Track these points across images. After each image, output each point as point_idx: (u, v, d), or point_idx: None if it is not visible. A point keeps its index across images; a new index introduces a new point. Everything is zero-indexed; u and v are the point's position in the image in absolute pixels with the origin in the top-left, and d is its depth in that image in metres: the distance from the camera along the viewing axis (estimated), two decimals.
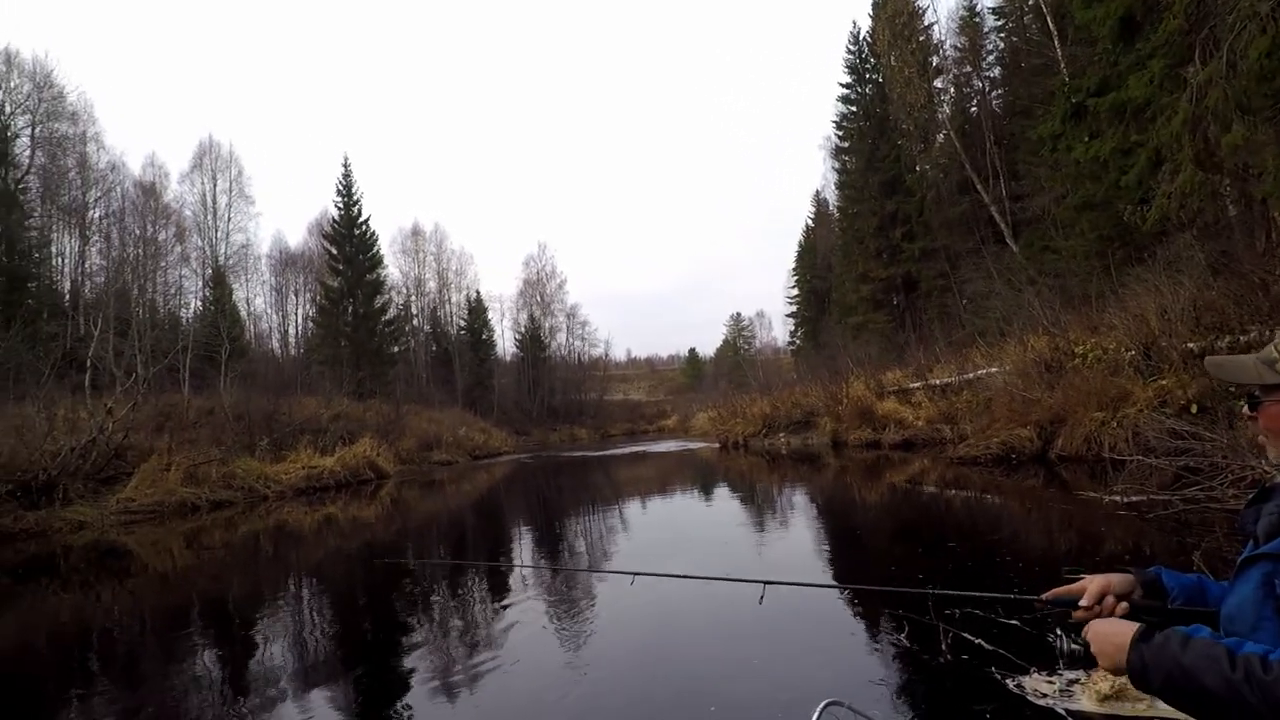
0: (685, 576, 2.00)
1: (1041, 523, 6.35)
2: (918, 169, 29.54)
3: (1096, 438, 8.63)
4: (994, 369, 12.46)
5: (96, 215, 31.32)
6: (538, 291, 59.76)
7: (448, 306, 54.50)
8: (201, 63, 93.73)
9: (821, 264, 45.86)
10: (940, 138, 28.79)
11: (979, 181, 25.06)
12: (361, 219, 41.14)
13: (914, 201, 28.98)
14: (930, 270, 27.75)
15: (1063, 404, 9.46)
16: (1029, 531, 6.06)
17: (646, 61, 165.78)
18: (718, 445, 21.53)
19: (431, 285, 52.74)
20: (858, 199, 32.49)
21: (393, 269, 46.69)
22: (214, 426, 15.73)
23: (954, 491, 8.35)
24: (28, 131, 28.50)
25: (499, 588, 5.25)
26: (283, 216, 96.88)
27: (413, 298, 50.60)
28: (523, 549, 7.21)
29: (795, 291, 53.17)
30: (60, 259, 30.71)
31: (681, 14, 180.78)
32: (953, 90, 28.98)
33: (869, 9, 32.16)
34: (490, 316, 56.75)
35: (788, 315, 55.02)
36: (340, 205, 41.16)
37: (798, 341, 52.17)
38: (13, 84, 28.17)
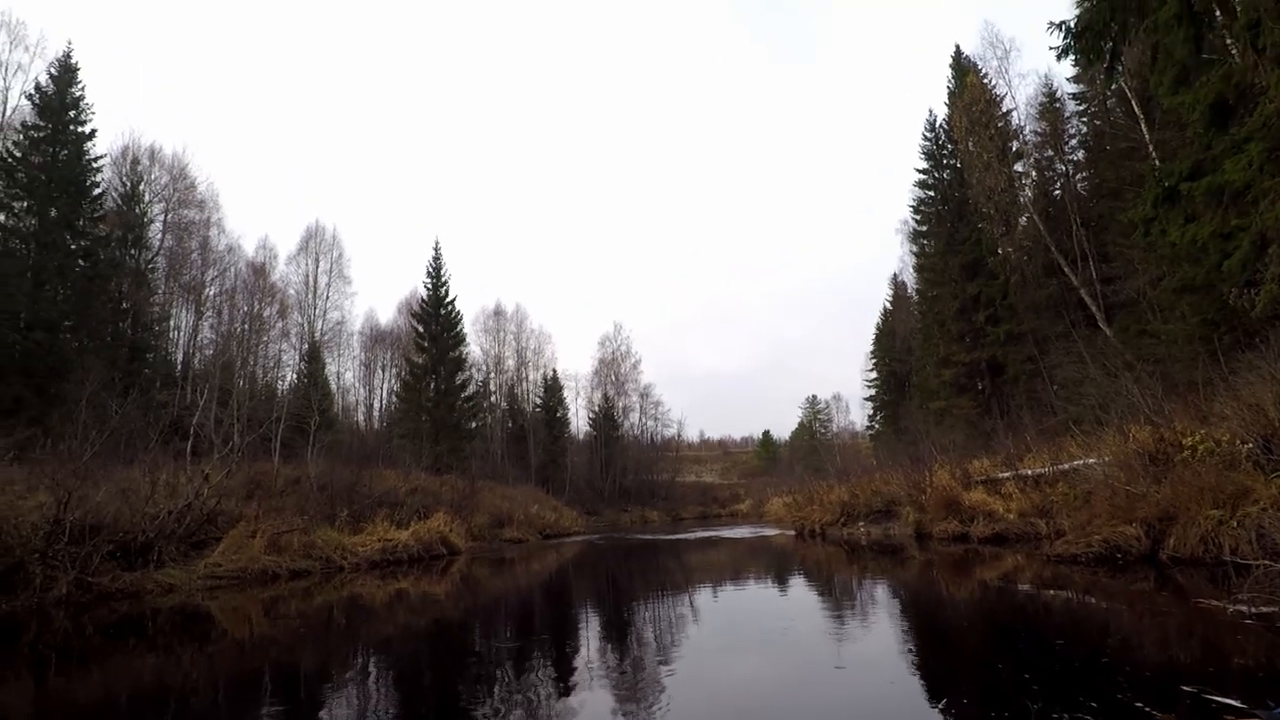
0: None
1: (1156, 632, 5.74)
2: (1000, 252, 28.94)
3: (1214, 538, 7.86)
4: (1091, 460, 11.66)
5: (212, 293, 34.07)
6: (612, 371, 60.62)
7: (525, 384, 55.86)
8: (315, 153, 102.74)
9: (900, 347, 44.89)
10: (1023, 221, 28.25)
11: (1066, 264, 24.27)
12: (448, 299, 43.14)
13: (997, 284, 28.26)
14: (1017, 355, 26.70)
15: (1172, 500, 8.71)
16: (1143, 642, 5.48)
17: (722, 148, 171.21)
18: (793, 533, 20.76)
19: (510, 363, 54.34)
20: (938, 282, 31.95)
21: (474, 347, 48.50)
22: (299, 495, 16.31)
23: (1053, 592, 7.70)
24: (161, 217, 31.58)
25: (564, 670, 5.10)
26: (375, 294, 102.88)
27: (492, 375, 52.20)
28: (590, 634, 7.02)
29: (873, 375, 52.01)
30: (176, 332, 33.34)
31: (758, 99, 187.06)
32: (1034, 174, 28.61)
33: (945, 98, 32.53)
34: (565, 395, 57.79)
35: (865, 399, 53.71)
36: (429, 286, 43.37)
37: (876, 426, 50.63)
38: (153, 176, 31.48)
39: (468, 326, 45.33)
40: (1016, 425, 19.80)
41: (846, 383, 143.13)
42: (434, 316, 42.49)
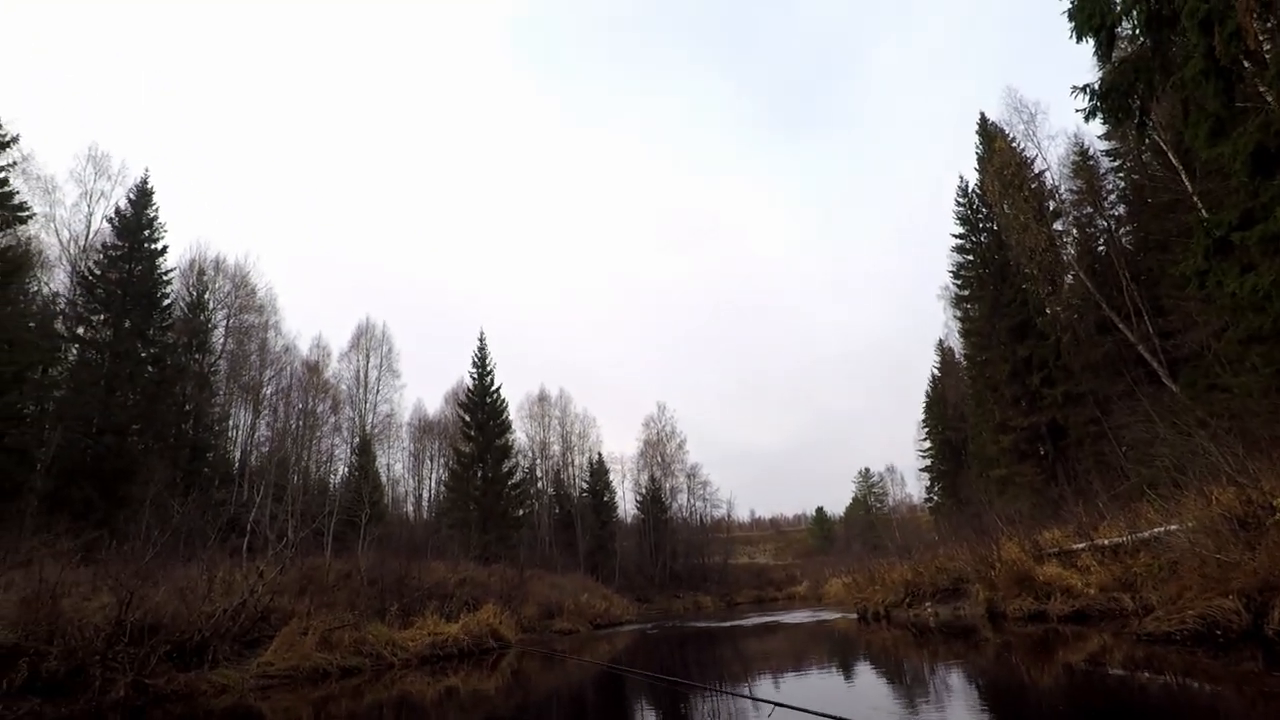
0: None
1: None
2: (1048, 311, 28.33)
3: None
4: (1173, 526, 10.92)
5: (269, 392, 35.28)
6: (658, 452, 60.13)
7: (571, 469, 55.69)
8: (365, 251, 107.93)
9: (953, 414, 43.65)
10: (1069, 279, 27.75)
11: (1120, 320, 23.59)
12: (493, 387, 43.85)
13: (1048, 345, 27.55)
14: (1078, 416, 25.69)
15: (1270, 568, 8.04)
16: None
17: (754, 225, 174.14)
18: (856, 616, 19.76)
19: (556, 448, 54.38)
20: (986, 345, 31.32)
21: (520, 434, 48.77)
22: (350, 590, 16.26)
23: (1148, 675, 7.08)
24: (224, 323, 33.20)
25: None
26: (423, 386, 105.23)
27: (538, 461, 52.23)
28: None
29: (927, 444, 50.48)
30: (235, 430, 34.41)
31: (788, 173, 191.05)
32: (1075, 231, 28.27)
33: (975, 163, 32.76)
34: (612, 478, 57.29)
35: (921, 469, 51.91)
36: (475, 375, 44.24)
37: (935, 498, 48.72)
38: (218, 284, 33.32)
39: (513, 413, 45.85)
40: (1086, 491, 18.83)
41: (899, 453, 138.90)
42: (480, 405, 43.11)
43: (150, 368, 27.48)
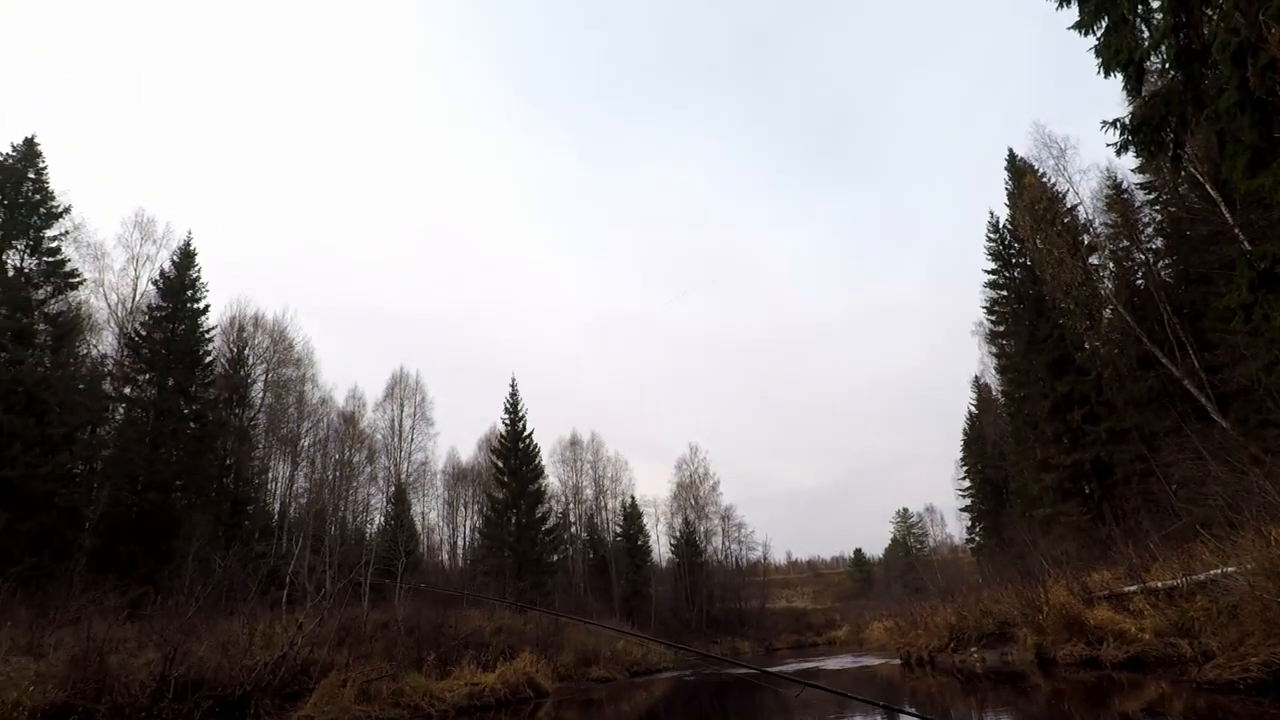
0: None
1: None
2: (1087, 346, 27.79)
3: None
4: (1230, 569, 10.51)
5: (306, 443, 35.88)
6: (691, 494, 59.57)
7: (604, 513, 55.38)
8: (398, 304, 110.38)
9: (992, 452, 42.67)
10: (1107, 313, 27.24)
11: (1163, 355, 23.06)
12: (525, 433, 44.07)
13: (1089, 380, 26.99)
14: (1124, 453, 24.98)
15: None
16: None
17: (787, 268, 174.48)
18: (899, 661, 19.17)
19: (589, 492, 54.19)
20: (1023, 382, 30.79)
21: (552, 478, 48.77)
22: (388, 640, 16.29)
23: None
24: (263, 377, 34.05)
25: None
26: (456, 433, 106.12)
27: (571, 505, 52.07)
28: None
29: (966, 483, 49.25)
30: (274, 483, 34.98)
31: (816, 212, 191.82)
32: (1112, 265, 27.83)
33: (1004, 198, 32.66)
34: (645, 521, 56.81)
35: (961, 509, 50.54)
36: (507, 421, 44.59)
37: (977, 538, 47.39)
38: (257, 340, 34.29)
39: (545, 458, 45.93)
40: (1135, 531, 18.20)
41: (938, 492, 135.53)
42: (513, 451, 43.32)
43: (193, 424, 28.23)
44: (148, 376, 27.84)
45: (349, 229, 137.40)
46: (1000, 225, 33.88)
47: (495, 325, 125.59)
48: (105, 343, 29.00)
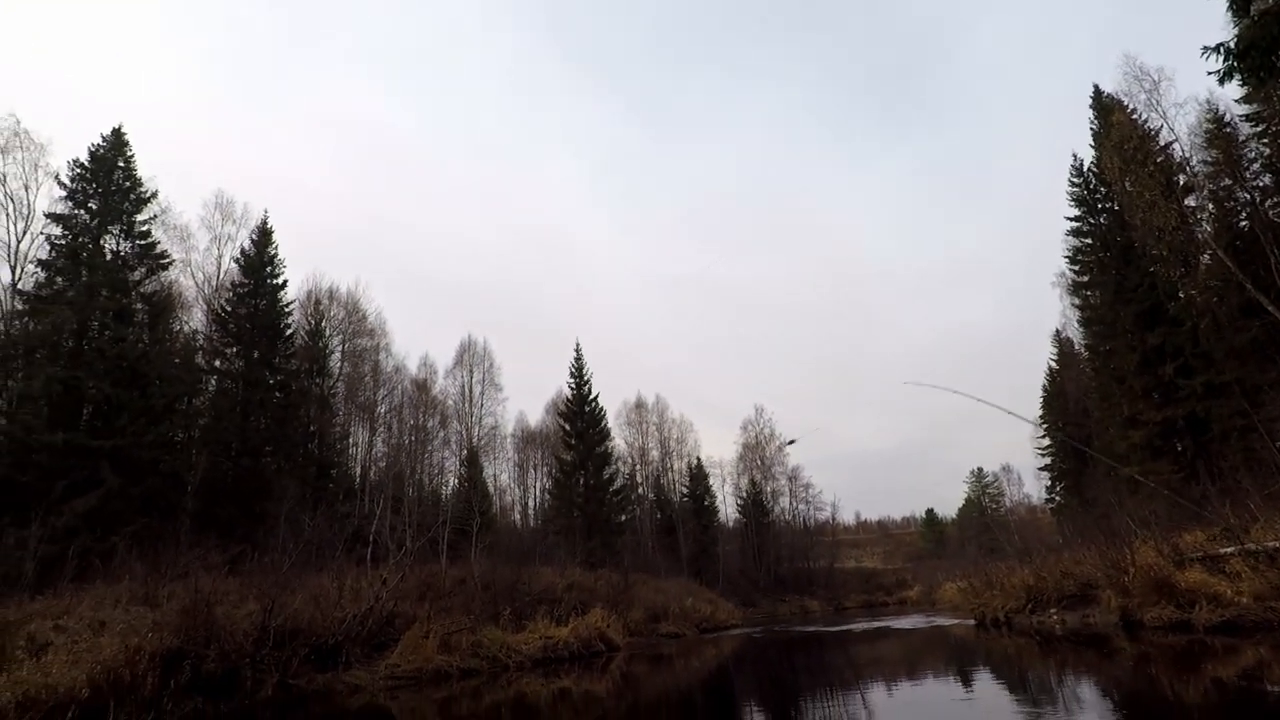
0: None
1: None
2: (1182, 295, 26.07)
3: None
4: None
5: (383, 410, 37.42)
6: (757, 455, 59.49)
7: (670, 474, 55.93)
8: (464, 270, 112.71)
9: (1074, 409, 40.89)
10: (1205, 259, 25.41)
11: (1269, 302, 21.44)
12: (591, 396, 44.71)
13: (1183, 331, 25.41)
14: (1223, 409, 23.55)
15: None
16: None
17: (856, 222, 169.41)
18: (973, 622, 18.86)
19: (654, 454, 54.77)
20: (1109, 335, 29.26)
21: (619, 441, 49.46)
22: (465, 595, 17.02)
23: None
24: (340, 348, 35.54)
25: None
26: (523, 398, 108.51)
27: (637, 467, 52.75)
28: None
29: (1045, 442, 47.42)
30: (355, 448, 36.69)
31: (879, 164, 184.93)
32: (1211, 206, 25.84)
33: (1089, 139, 30.74)
34: (711, 482, 57.12)
35: (1040, 468, 48.81)
36: (573, 385, 45.30)
37: (1057, 498, 45.78)
38: (333, 312, 35.68)
39: (611, 421, 46.61)
40: (1234, 490, 17.18)
41: (1014, 452, 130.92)
42: (579, 414, 44.08)
43: (278, 393, 29.75)
44: (235, 350, 29.43)
45: (413, 202, 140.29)
46: (1084, 168, 31.92)
47: (559, 292, 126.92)
48: (195, 319, 30.80)
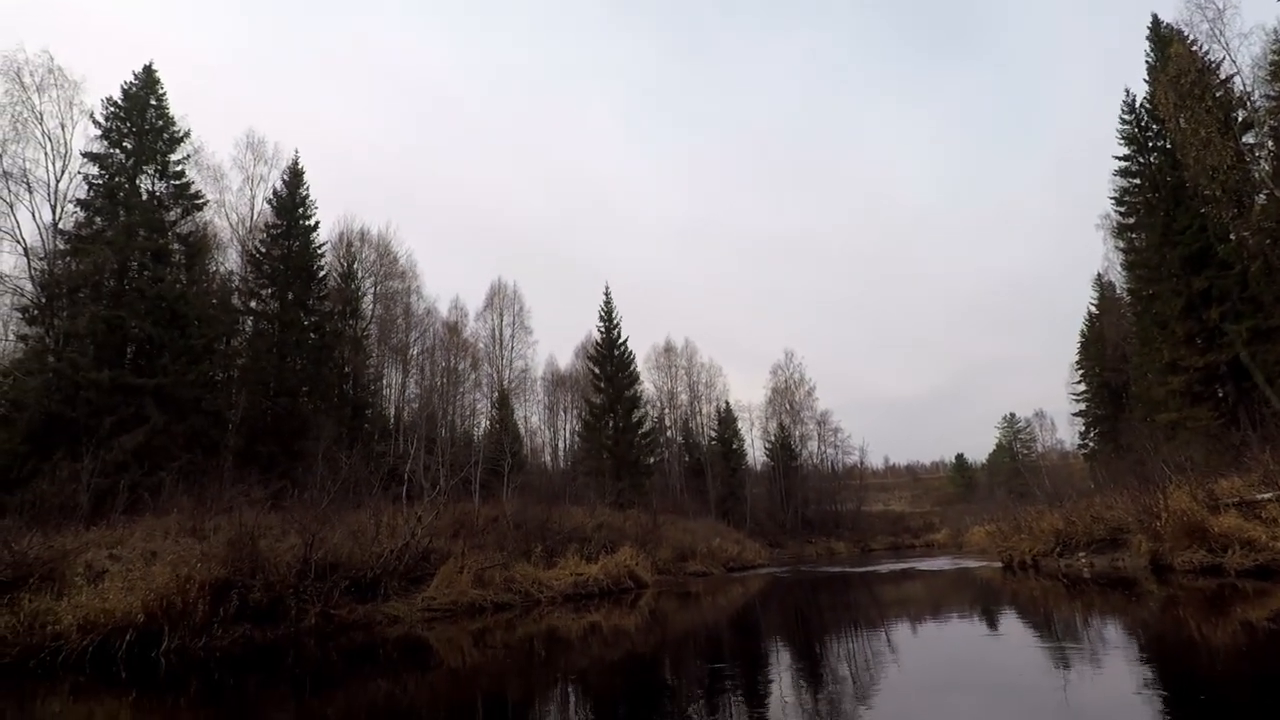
0: None
1: None
2: (1233, 238, 24.99)
3: None
4: None
5: (415, 352, 37.95)
6: (786, 400, 59.45)
7: (699, 418, 56.23)
8: (492, 212, 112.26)
9: (1113, 355, 39.99)
10: (1260, 199, 24.24)
11: None
12: (620, 340, 44.76)
13: (1232, 275, 24.47)
14: (1268, 354, 22.81)
15: None
16: None
17: (891, 164, 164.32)
18: (1000, 565, 18.94)
19: (683, 398, 54.99)
20: (1154, 279, 28.32)
21: (647, 384, 49.68)
22: (498, 533, 17.49)
23: None
24: (372, 290, 35.88)
25: (756, 706, 4.99)
26: (553, 341, 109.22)
27: (666, 411, 53.06)
28: (782, 669, 6.82)
29: (1081, 387, 46.61)
30: (389, 389, 37.40)
31: (921, 101, 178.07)
32: (1271, 144, 24.49)
33: (1144, 74, 29.16)
34: (740, 426, 57.34)
35: (1074, 414, 48.09)
36: (602, 329, 45.36)
37: (1091, 444, 45.22)
38: (364, 255, 35.90)
39: (640, 364, 46.77)
40: (1276, 437, 16.79)
41: (1049, 398, 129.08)
42: (608, 358, 44.27)
43: (313, 335, 30.26)
44: (270, 291, 29.85)
45: (444, 143, 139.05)
46: (1137, 105, 30.37)
47: (589, 235, 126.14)
48: (230, 260, 31.19)
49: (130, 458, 19.56)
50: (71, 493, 16.05)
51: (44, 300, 21.95)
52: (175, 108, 26.34)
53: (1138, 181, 30.24)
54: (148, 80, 25.83)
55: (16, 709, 6.65)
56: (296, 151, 32.49)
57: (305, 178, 31.89)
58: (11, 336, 25.49)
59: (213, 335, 24.85)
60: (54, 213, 23.20)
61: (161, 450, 20.56)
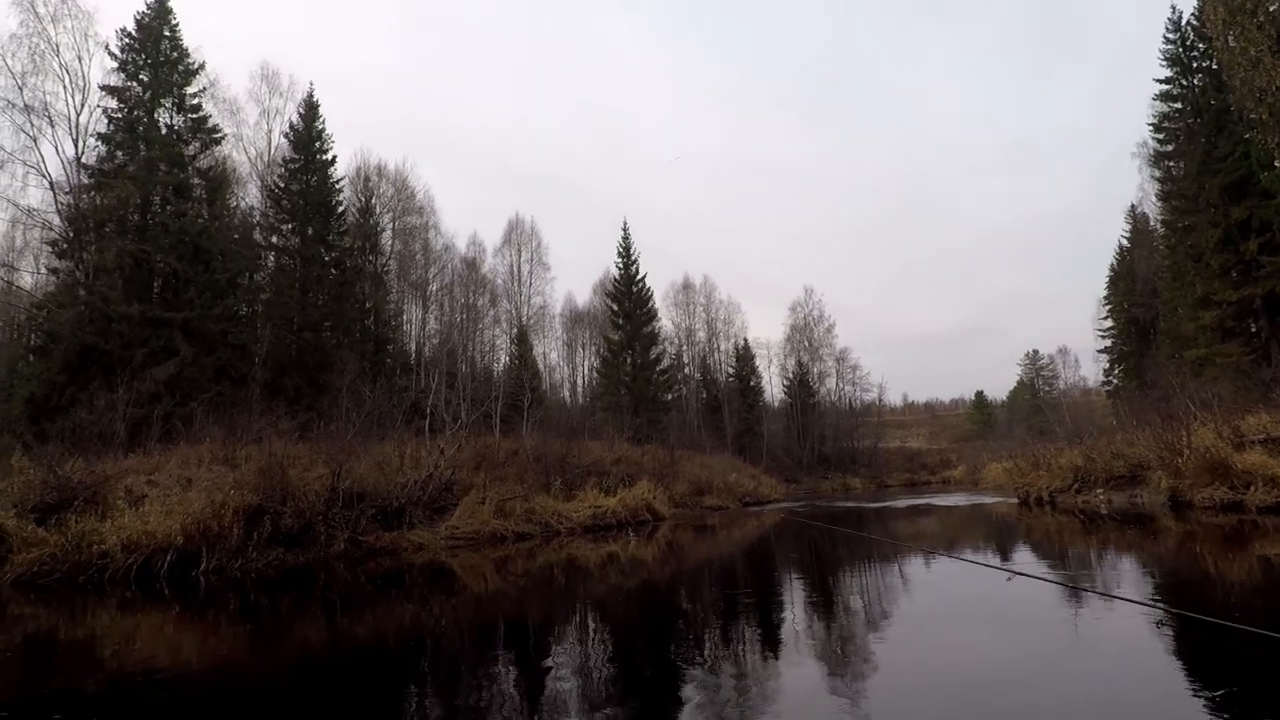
0: None
1: None
2: (1278, 164, 23.96)
3: None
4: None
5: (434, 288, 38.05)
6: (805, 337, 59.21)
7: (717, 355, 56.28)
8: (509, 146, 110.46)
9: (1143, 289, 39.13)
10: None
11: None
12: (638, 277, 44.51)
13: (1273, 205, 23.60)
14: None
15: None
16: None
17: (910, 91, 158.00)
18: (1016, 501, 19.06)
19: (701, 335, 54.92)
20: (1191, 210, 27.41)
21: (665, 321, 49.63)
22: (518, 466, 17.87)
23: None
24: (390, 225, 35.77)
25: (770, 634, 5.14)
26: (571, 278, 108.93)
27: (684, 348, 53.12)
28: (796, 599, 6.99)
29: (1108, 323, 45.83)
30: (409, 325, 37.72)
31: (948, 33, 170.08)
32: None
33: None
34: (758, 363, 57.39)
35: (1099, 351, 47.44)
36: (620, 265, 45.06)
37: (1115, 381, 44.75)
38: (382, 190, 35.64)
39: (658, 301, 46.63)
40: None
41: (1074, 334, 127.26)
42: (626, 295, 44.13)
43: (333, 270, 30.40)
44: (290, 226, 29.89)
45: (460, 74, 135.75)
46: (1182, 23, 28.73)
47: (608, 171, 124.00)
48: (250, 195, 31.13)
49: (162, 389, 20.08)
50: (109, 421, 16.56)
51: (72, 234, 22.17)
52: (189, 38, 25.89)
53: (1179, 106, 28.94)
54: (161, 9, 25.31)
55: (69, 620, 7.04)
56: (311, 84, 32.00)
57: (320, 111, 31.45)
58: (43, 270, 25.90)
59: (235, 270, 25.06)
60: (76, 147, 23.20)
61: (192, 382, 21.07)
